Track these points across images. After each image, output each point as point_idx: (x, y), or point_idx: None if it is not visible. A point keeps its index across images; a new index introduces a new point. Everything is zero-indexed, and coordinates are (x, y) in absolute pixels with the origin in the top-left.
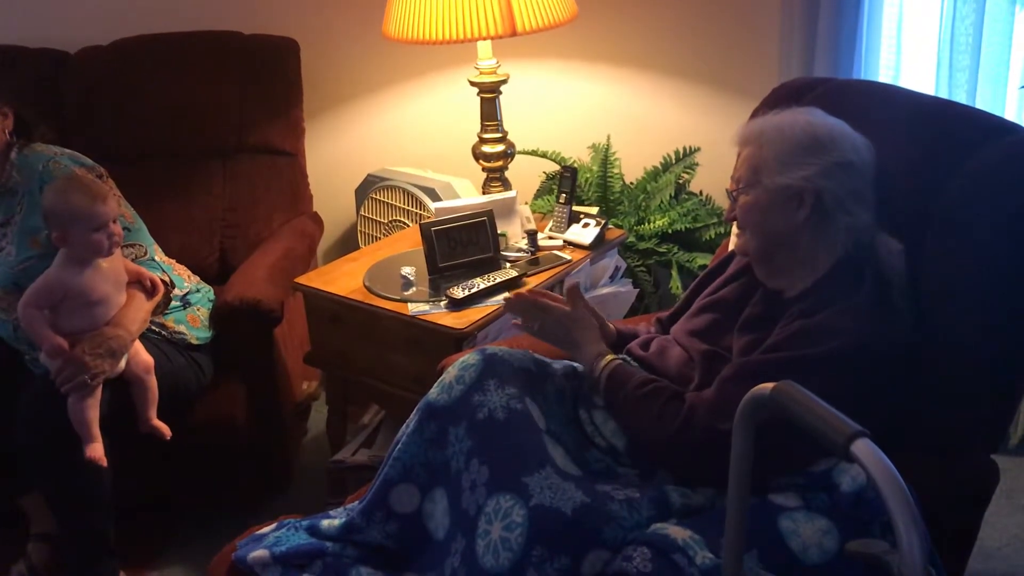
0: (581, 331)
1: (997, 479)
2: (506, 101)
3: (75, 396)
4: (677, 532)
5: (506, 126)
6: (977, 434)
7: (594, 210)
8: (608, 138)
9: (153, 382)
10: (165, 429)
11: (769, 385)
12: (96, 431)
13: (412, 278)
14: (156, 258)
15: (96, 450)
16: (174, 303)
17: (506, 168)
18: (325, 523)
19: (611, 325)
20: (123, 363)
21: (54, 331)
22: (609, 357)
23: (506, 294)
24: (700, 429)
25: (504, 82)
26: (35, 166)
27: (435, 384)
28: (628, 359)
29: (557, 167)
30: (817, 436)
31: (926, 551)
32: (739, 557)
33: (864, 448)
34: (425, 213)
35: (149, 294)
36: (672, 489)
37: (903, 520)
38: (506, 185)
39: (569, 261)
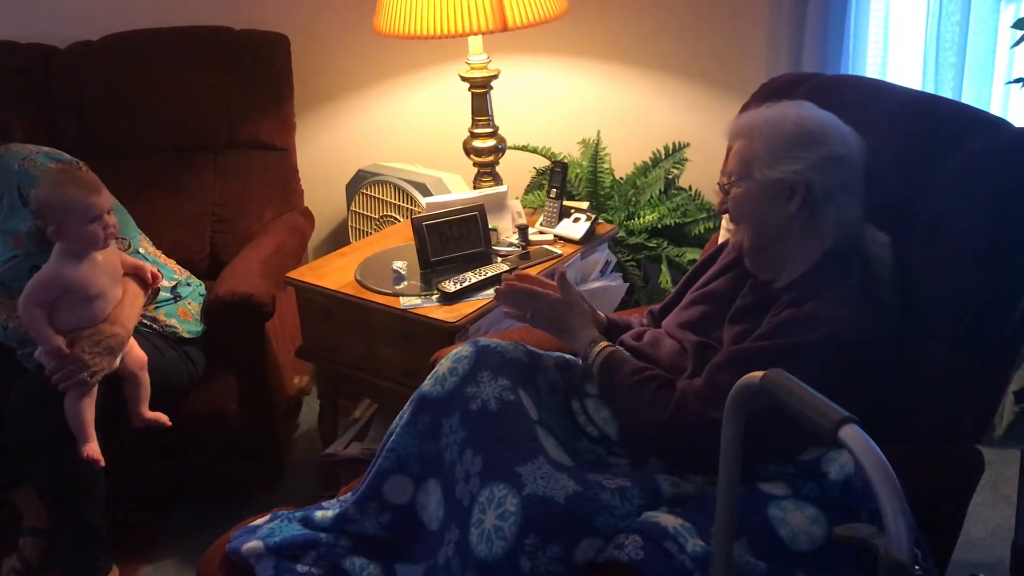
0: (575, 317)
1: (982, 467)
2: (497, 96)
3: (72, 395)
4: (668, 520)
5: (497, 121)
6: (962, 423)
7: (584, 205)
8: (598, 133)
9: (146, 378)
10: (162, 417)
11: (759, 373)
12: (92, 430)
13: (404, 272)
14: (141, 250)
15: (93, 449)
16: (164, 295)
17: (497, 163)
18: (319, 514)
19: (601, 314)
20: (119, 360)
21: (54, 329)
22: (603, 343)
23: (497, 286)
24: (691, 416)
25: (495, 77)
26: (11, 166)
27: (428, 376)
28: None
29: (548, 162)
30: (806, 423)
31: (913, 533)
32: (729, 544)
33: (852, 433)
34: (416, 208)
35: (147, 286)
36: (663, 478)
37: (890, 502)
38: (497, 180)
39: (560, 255)
